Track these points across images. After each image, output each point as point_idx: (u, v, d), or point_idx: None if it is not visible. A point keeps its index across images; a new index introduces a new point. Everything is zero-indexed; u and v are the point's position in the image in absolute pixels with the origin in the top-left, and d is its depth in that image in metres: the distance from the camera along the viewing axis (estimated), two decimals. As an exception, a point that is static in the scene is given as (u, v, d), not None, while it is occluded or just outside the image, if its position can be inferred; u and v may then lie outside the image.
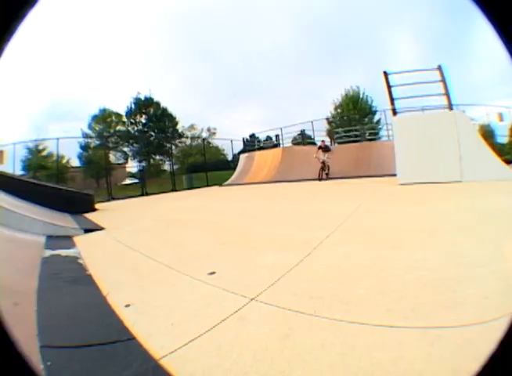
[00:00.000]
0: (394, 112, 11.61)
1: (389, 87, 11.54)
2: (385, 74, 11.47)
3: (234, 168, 26.93)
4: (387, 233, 4.03)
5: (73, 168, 33.77)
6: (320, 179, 16.49)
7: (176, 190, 22.42)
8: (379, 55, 50.26)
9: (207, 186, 24.08)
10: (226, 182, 23.69)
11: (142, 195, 20.83)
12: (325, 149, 17.70)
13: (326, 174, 17.18)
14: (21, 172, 26.03)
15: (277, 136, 29.84)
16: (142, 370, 1.61)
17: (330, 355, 1.55)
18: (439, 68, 10.79)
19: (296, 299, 2.24)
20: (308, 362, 1.52)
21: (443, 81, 10.76)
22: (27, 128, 50.37)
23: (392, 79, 11.55)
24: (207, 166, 28.03)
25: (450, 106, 10.76)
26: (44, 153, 33.32)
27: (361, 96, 38.53)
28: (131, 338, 1.99)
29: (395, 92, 11.62)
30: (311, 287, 2.46)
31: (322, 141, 18.60)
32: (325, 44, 57.63)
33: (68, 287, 3.17)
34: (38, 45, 57.15)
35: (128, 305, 2.51)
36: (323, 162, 17.14)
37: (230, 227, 5.59)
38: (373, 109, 36.92)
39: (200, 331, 1.95)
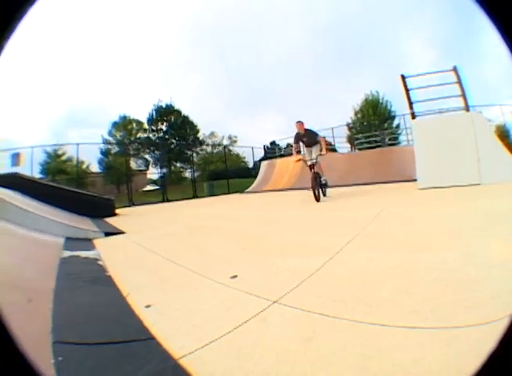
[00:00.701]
0: (413, 116, 11.52)
1: (407, 90, 11.45)
2: (402, 77, 11.39)
3: (255, 176, 27.12)
4: (408, 236, 3.97)
5: (93, 173, 34.49)
6: (318, 199, 9.62)
7: (197, 197, 22.65)
8: (396, 58, 50.41)
9: (228, 193, 24.21)
10: (247, 190, 23.85)
11: (163, 201, 21.15)
12: (308, 139, 10.34)
13: (324, 185, 10.56)
14: (39, 176, 26.67)
15: None
16: (160, 369, 1.61)
17: (353, 356, 1.54)
18: (455, 69, 10.69)
19: (319, 302, 2.22)
20: (331, 363, 1.51)
21: (459, 82, 10.67)
22: (46, 133, 51.94)
23: (410, 82, 11.47)
24: (228, 173, 28.46)
25: (467, 108, 10.67)
26: (63, 158, 34.19)
27: (380, 101, 38.59)
28: (151, 338, 1.99)
29: (413, 95, 11.55)
30: (333, 290, 2.44)
31: (299, 123, 10.27)
32: (343, 49, 58.08)
33: (87, 286, 3.20)
34: (56, 51, 58.98)
35: (148, 306, 2.52)
36: (312, 166, 10.09)
37: (252, 233, 5.58)
38: (392, 113, 36.91)
39: (221, 333, 1.94)
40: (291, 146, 34.82)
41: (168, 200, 21.31)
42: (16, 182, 9.80)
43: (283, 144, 35.25)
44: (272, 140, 37.78)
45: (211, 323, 2.13)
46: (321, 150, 10.17)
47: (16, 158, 19.18)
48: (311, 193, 9.67)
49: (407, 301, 2.07)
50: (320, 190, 10.05)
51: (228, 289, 2.76)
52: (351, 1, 55.46)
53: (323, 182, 10.45)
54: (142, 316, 2.32)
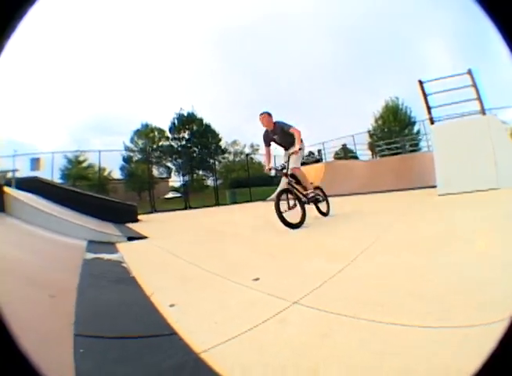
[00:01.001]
0: (432, 121, 11.56)
1: (425, 96, 11.52)
2: (420, 82, 11.44)
3: (277, 184, 27.03)
4: (424, 241, 4.00)
5: (114, 180, 35.15)
6: (292, 225, 6.30)
7: (219, 205, 22.83)
8: (413, 62, 50.53)
9: (251, 201, 24.35)
10: (270, 198, 23.98)
11: (185, 209, 21.43)
12: (282, 137, 7.34)
13: (317, 200, 7.63)
14: (60, 181, 27.25)
15: (319, 151, 31.05)
16: (182, 362, 1.69)
17: (368, 353, 1.60)
18: (469, 72, 10.72)
19: (337, 303, 2.28)
20: (345, 359, 1.58)
21: (474, 85, 10.68)
22: (67, 140, 53.57)
23: (428, 87, 11.55)
24: (250, 181, 28.64)
25: (483, 111, 10.70)
26: (84, 164, 35.00)
27: (400, 107, 38.63)
28: (174, 333, 2.06)
29: (432, 100, 11.62)
30: (352, 292, 2.50)
31: (264, 115, 7.27)
32: (362, 54, 58.43)
33: (111, 286, 3.30)
34: (77, 60, 61.02)
35: (172, 305, 2.60)
36: (291, 176, 7.12)
37: (274, 239, 5.61)
38: (412, 119, 36.92)
39: (242, 330, 2.01)
40: (312, 153, 35.77)
41: (191, 208, 21.59)
42: (36, 186, 10.12)
43: (305, 152, 35.60)
44: (293, 148, 38.17)
45: (233, 321, 2.20)
46: (295, 149, 6.89)
47: (35, 163, 19.81)
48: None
49: (419, 303, 2.12)
50: (315, 208, 7.52)
51: (250, 290, 2.83)
52: (369, 6, 55.92)
53: (310, 196, 7.32)
54: (165, 314, 2.40)
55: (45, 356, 1.62)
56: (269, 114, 7.31)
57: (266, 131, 7.44)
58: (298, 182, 7.23)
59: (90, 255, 4.74)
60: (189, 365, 1.65)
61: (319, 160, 29.62)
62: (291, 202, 6.72)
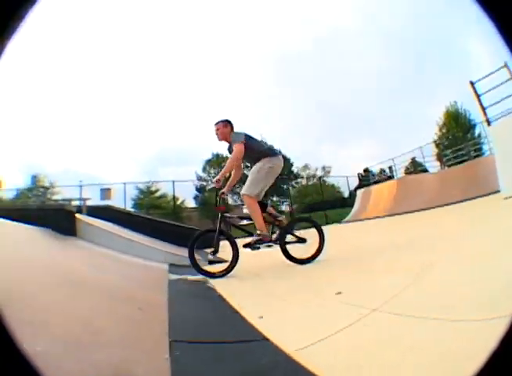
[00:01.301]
0: (488, 122, 11.21)
1: (478, 96, 11.26)
2: (471, 83, 11.22)
3: (351, 205, 27.86)
4: (495, 252, 3.76)
5: (188, 208, 36.34)
6: (210, 274, 5.33)
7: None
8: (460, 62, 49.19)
9: (327, 224, 24.37)
10: (345, 219, 24.52)
11: (261, 234, 21.67)
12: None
13: (286, 242, 5.57)
14: (132, 210, 28.79)
15: (390, 168, 31.47)
16: (275, 361, 1.89)
17: (439, 349, 1.71)
18: (506, 65, 10.33)
19: (408, 309, 2.40)
20: (417, 355, 1.69)
21: None
22: (137, 172, 57.10)
23: (479, 87, 11.34)
24: (325, 205, 28.95)
25: None
26: (157, 194, 36.69)
27: (459, 111, 37.45)
28: (265, 339, 2.25)
29: (484, 100, 11.34)
30: (422, 299, 2.61)
31: (218, 124, 5.80)
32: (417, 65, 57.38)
33: (199, 302, 3.51)
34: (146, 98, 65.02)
35: (261, 317, 2.76)
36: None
37: (353, 256, 5.70)
38: (472, 122, 35.51)
39: (328, 334, 2.17)
40: (384, 171, 35.87)
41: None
42: (109, 214, 10.98)
43: (375, 169, 37.10)
44: (365, 167, 38.25)
45: (319, 327, 2.38)
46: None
47: (105, 193, 21.77)
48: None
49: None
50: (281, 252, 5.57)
51: (334, 302, 2.98)
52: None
53: (255, 238, 5.77)
54: (255, 324, 2.59)
55: (141, 360, 1.88)
56: (226, 124, 5.86)
57: (230, 142, 5.86)
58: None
59: (174, 276, 5.00)
60: (282, 364, 1.83)
61: (390, 177, 30.04)
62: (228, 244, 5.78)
